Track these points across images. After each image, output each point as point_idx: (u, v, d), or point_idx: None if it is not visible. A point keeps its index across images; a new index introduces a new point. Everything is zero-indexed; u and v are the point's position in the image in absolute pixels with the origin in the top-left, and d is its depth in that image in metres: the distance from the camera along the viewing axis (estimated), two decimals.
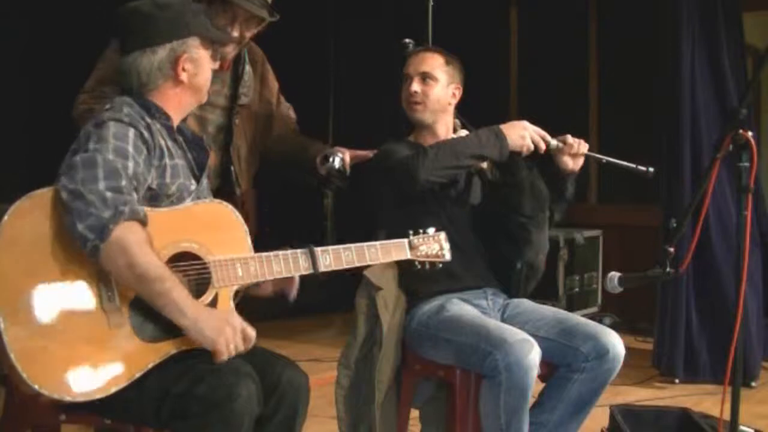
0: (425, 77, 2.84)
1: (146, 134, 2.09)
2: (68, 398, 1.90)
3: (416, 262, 2.42)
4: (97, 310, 1.95)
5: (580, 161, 2.82)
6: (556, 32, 6.49)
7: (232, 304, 2.11)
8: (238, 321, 2.00)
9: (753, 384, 4.36)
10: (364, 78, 6.72)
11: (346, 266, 2.29)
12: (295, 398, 2.13)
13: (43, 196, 1.97)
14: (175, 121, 2.23)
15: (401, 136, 2.95)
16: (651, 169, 2.81)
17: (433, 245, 2.44)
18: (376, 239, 2.84)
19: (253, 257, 2.15)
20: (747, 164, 2.29)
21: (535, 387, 2.49)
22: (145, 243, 1.95)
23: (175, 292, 1.94)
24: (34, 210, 1.95)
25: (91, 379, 1.92)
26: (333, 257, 2.25)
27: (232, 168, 2.95)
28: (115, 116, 2.06)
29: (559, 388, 2.62)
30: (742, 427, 2.56)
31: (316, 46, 6.78)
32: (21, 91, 5.38)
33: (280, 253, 2.18)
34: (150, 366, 1.96)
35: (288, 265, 2.18)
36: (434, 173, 2.66)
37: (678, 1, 4.48)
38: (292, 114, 3.15)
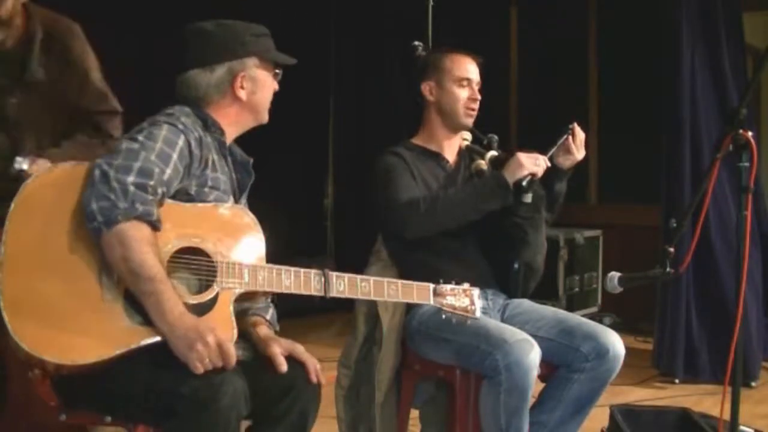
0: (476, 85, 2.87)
1: (194, 144, 2.12)
2: (46, 357, 1.91)
3: (443, 312, 2.33)
4: (94, 282, 1.97)
5: (582, 152, 2.79)
6: (556, 32, 6.49)
7: (231, 309, 2.06)
8: (213, 338, 1.91)
9: (753, 384, 4.37)
10: (364, 78, 6.72)
11: (360, 297, 2.22)
12: (307, 400, 2.13)
13: (72, 168, 2.04)
14: (229, 137, 2.27)
15: (401, 137, 2.94)
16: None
17: (463, 299, 2.35)
18: (375, 241, 2.84)
19: (264, 266, 2.11)
20: (747, 164, 2.29)
21: (535, 387, 2.49)
22: (146, 242, 1.95)
23: (163, 296, 1.93)
24: (57, 180, 2.03)
25: (69, 343, 1.93)
26: (348, 285, 2.18)
27: None
28: (171, 121, 2.12)
29: (559, 388, 2.63)
30: (742, 427, 2.55)
31: (316, 45, 6.77)
32: None
33: (293, 268, 2.12)
34: (132, 347, 1.94)
35: (299, 282, 2.12)
36: (424, 230, 2.65)
37: (678, 1, 4.48)
38: None
